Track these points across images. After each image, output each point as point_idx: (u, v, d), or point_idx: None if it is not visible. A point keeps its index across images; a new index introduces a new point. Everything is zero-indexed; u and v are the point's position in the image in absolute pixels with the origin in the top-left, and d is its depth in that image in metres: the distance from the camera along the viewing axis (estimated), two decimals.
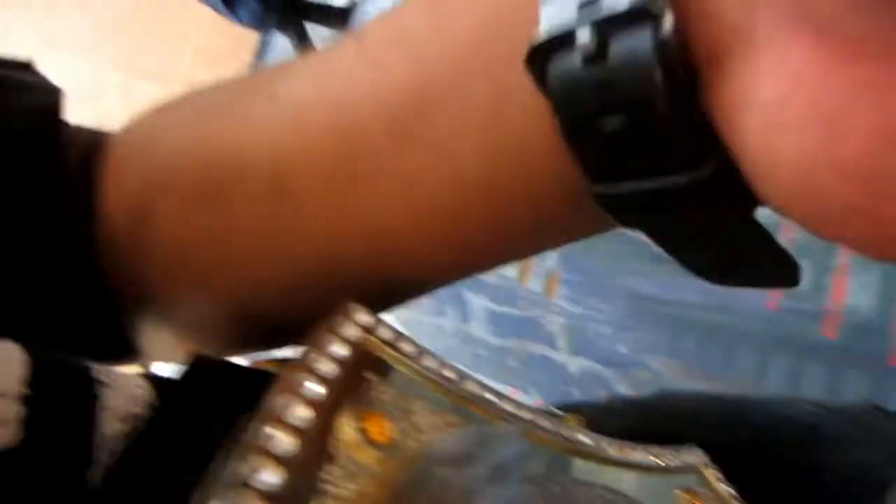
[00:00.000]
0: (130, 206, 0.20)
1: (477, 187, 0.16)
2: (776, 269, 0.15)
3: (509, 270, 1.28)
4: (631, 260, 1.11)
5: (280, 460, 0.14)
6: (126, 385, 0.15)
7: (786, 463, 0.31)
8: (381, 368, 0.17)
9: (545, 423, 0.19)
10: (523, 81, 0.13)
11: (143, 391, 0.15)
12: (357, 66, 0.17)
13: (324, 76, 0.18)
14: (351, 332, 0.17)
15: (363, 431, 0.15)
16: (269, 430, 0.14)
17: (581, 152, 0.13)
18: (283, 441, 0.14)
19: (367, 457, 0.15)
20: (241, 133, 0.19)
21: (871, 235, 0.11)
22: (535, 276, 1.26)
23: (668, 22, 0.11)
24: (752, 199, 0.13)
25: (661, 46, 0.11)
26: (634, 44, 0.11)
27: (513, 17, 0.14)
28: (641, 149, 0.12)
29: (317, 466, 0.14)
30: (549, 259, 1.25)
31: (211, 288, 0.20)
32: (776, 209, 0.12)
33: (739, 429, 0.33)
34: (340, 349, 0.16)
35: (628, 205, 0.14)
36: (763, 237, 0.14)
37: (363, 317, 0.17)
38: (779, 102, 0.11)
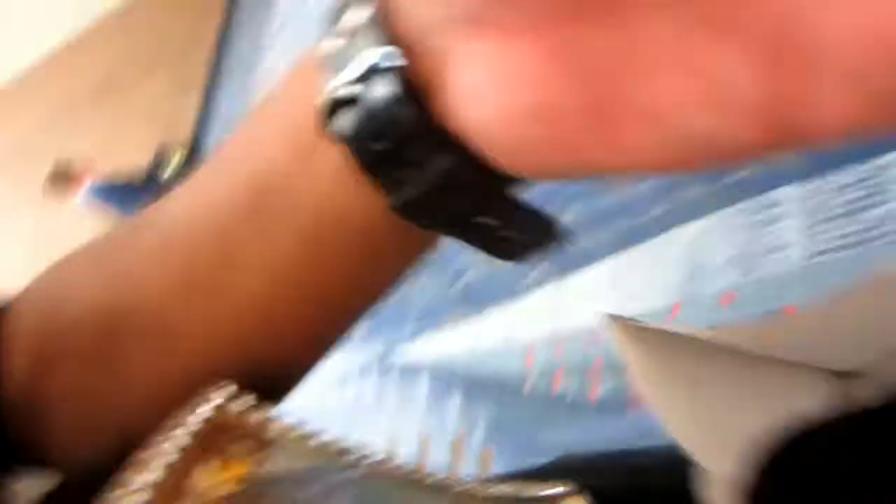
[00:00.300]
0: (30, 365, 0.23)
1: (315, 237, 0.20)
2: (546, 234, 0.20)
3: (441, 458, 1.28)
4: (547, 414, 1.14)
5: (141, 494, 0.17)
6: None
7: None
8: (235, 431, 0.21)
9: (390, 464, 0.23)
10: (327, 150, 0.18)
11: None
12: (203, 182, 0.22)
13: (184, 202, 0.22)
14: (206, 408, 0.21)
15: (220, 474, 0.19)
16: (132, 475, 0.17)
17: (371, 176, 0.18)
18: (145, 478, 0.17)
19: (223, 489, 0.18)
20: (123, 280, 0.22)
21: (563, 159, 0.15)
22: (467, 457, 1.26)
23: (397, 64, 0.16)
24: (499, 178, 0.17)
25: (397, 82, 0.16)
26: (380, 87, 0.16)
27: (307, 105, 0.18)
28: (405, 159, 0.17)
29: (173, 498, 0.18)
30: (476, 437, 1.26)
31: (101, 432, 0.23)
32: (508, 167, 0.16)
33: (634, 475, 0.36)
34: (195, 419, 0.20)
35: (418, 209, 0.18)
36: (525, 210, 0.18)
37: (218, 395, 0.21)
38: (479, 85, 0.15)
